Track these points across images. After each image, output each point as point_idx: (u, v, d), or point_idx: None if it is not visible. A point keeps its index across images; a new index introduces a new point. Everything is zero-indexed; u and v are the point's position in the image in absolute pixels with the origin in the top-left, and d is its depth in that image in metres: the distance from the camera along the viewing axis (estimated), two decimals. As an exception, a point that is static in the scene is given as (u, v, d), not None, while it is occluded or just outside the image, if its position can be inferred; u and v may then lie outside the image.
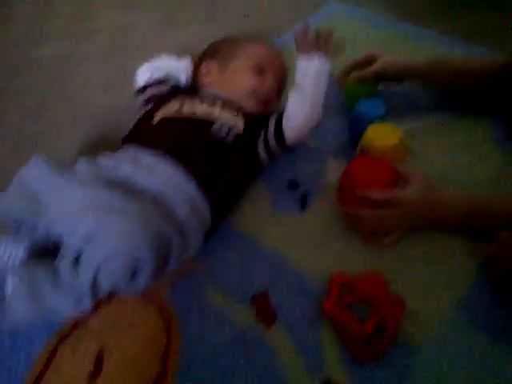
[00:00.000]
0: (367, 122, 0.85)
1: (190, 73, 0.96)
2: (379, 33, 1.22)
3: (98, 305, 0.68)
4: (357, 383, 0.63)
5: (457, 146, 0.92)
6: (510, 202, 0.72)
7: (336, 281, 0.71)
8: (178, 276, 0.74)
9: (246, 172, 0.82)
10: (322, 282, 0.73)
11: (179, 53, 1.08)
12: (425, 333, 0.67)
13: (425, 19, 1.22)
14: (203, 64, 0.92)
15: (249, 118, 0.83)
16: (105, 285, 0.65)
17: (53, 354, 0.67)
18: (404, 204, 0.72)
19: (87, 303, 0.65)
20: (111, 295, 0.68)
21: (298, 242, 0.79)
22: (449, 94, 0.99)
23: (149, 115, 0.84)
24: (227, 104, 0.84)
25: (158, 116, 0.82)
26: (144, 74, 0.93)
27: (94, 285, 0.65)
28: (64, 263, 0.65)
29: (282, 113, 0.84)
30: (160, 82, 0.92)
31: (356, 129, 0.88)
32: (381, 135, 0.80)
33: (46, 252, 0.69)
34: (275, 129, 0.84)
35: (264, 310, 0.71)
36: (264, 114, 0.87)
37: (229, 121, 0.81)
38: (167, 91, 0.91)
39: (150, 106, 0.88)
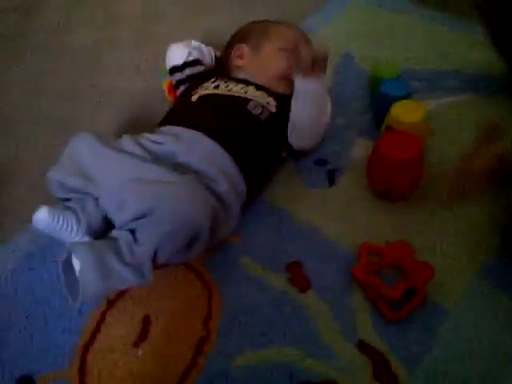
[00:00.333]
0: (391, 102, 0.87)
1: (213, 60, 0.99)
2: (397, 17, 1.24)
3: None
4: (387, 343, 0.67)
5: (478, 124, 0.95)
6: None
7: (365, 249, 0.75)
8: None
9: (278, 150, 0.85)
10: (352, 250, 0.77)
11: (204, 39, 1.12)
12: (452, 298, 0.71)
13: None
14: (235, 47, 0.94)
15: (281, 99, 0.86)
16: (163, 257, 0.68)
17: (101, 319, 0.72)
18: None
19: (149, 276, 0.68)
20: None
21: (327, 214, 0.83)
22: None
23: (187, 95, 0.87)
24: (260, 86, 0.87)
25: (197, 94, 0.85)
26: (182, 52, 0.95)
27: (154, 258, 0.67)
28: (122, 237, 0.67)
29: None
30: (197, 62, 0.94)
31: (380, 109, 0.91)
32: (407, 111, 0.83)
33: (99, 226, 0.73)
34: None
35: (298, 277, 0.75)
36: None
37: (263, 100, 0.84)
38: (201, 72, 0.94)
39: (185, 87, 0.91)
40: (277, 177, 0.88)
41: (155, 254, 0.67)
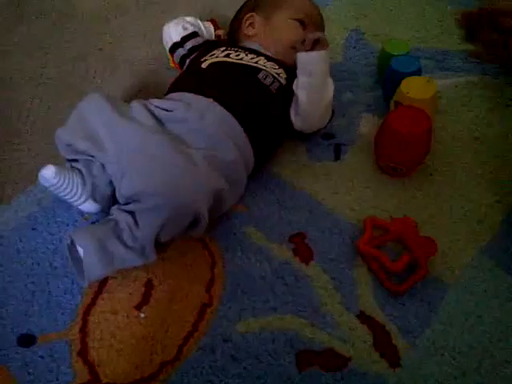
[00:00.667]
0: (401, 79, 0.86)
1: (213, 36, 0.98)
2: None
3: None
4: (388, 315, 0.68)
5: (484, 105, 0.95)
6: None
7: (370, 222, 0.75)
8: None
9: (286, 122, 0.84)
10: (356, 224, 0.77)
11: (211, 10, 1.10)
12: (454, 273, 0.72)
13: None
14: (246, 16, 0.93)
15: (290, 71, 0.85)
16: (165, 238, 0.69)
17: (104, 281, 0.72)
18: None
19: (151, 256, 0.68)
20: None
21: (332, 188, 0.82)
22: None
23: (196, 62, 0.85)
24: (270, 57, 0.86)
25: (207, 62, 0.84)
26: (176, 30, 0.93)
27: (156, 239, 0.67)
28: (122, 220, 0.67)
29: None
30: (195, 34, 0.93)
31: (390, 85, 0.90)
32: (416, 88, 0.82)
33: (105, 191, 0.73)
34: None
35: (301, 248, 0.75)
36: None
37: (273, 71, 0.83)
38: (206, 41, 0.92)
39: (193, 56, 0.90)
40: (283, 149, 0.87)
41: (157, 236, 0.67)
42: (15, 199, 0.81)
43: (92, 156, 0.72)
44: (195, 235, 0.72)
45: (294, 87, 0.83)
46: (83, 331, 0.68)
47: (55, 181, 0.70)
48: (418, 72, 0.89)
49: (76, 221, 0.79)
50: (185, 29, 0.93)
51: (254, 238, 0.76)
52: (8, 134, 0.93)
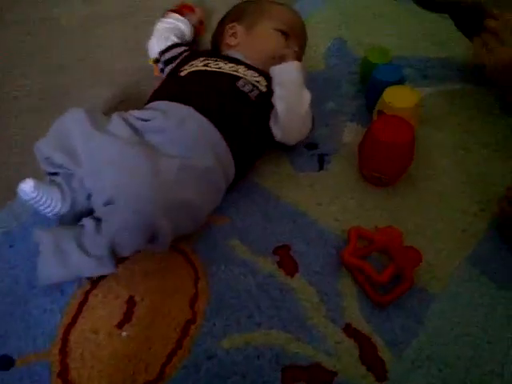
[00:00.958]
0: (384, 88, 0.86)
1: (192, 32, 1.00)
2: (392, 2, 1.22)
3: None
4: (374, 327, 0.67)
5: (466, 113, 0.95)
6: None
7: (355, 233, 0.74)
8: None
9: (267, 131, 0.83)
10: (341, 234, 0.76)
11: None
12: (439, 283, 0.71)
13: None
14: (228, 26, 0.93)
15: (271, 80, 0.84)
16: (124, 250, 0.68)
17: (84, 299, 0.71)
18: None
19: (109, 266, 0.67)
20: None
21: (316, 198, 0.82)
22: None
23: (176, 71, 0.85)
24: (250, 66, 0.85)
25: (186, 70, 0.83)
26: (156, 45, 0.94)
27: (113, 249, 0.66)
28: (87, 225, 0.67)
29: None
30: (173, 46, 0.93)
31: (372, 94, 0.89)
32: (399, 97, 0.82)
33: (84, 205, 0.72)
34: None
35: (286, 260, 0.74)
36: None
37: (253, 79, 0.83)
38: (183, 51, 0.92)
39: (170, 67, 0.90)
40: (266, 159, 0.87)
41: (114, 245, 0.66)
42: (-8, 215, 0.80)
43: (70, 169, 0.71)
44: (158, 250, 0.70)
45: (272, 100, 0.82)
46: (63, 352, 0.66)
47: (34, 195, 0.69)
48: (400, 81, 0.89)
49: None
50: (166, 39, 0.94)
51: (238, 250, 0.75)
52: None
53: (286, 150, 0.88)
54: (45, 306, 0.70)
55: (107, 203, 0.68)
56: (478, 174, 0.85)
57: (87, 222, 0.68)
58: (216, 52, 0.94)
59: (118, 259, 0.69)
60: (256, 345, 0.66)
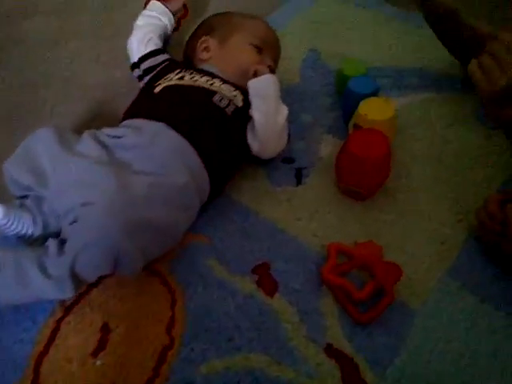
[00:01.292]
0: (359, 100, 0.86)
1: (173, 23, 0.99)
2: (365, 13, 1.23)
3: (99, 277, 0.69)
4: (356, 347, 0.66)
5: (443, 121, 0.95)
6: None
7: (334, 249, 0.73)
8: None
9: (244, 146, 0.82)
10: (320, 251, 0.75)
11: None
12: (420, 298, 0.70)
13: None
14: (201, 40, 0.91)
15: (247, 94, 0.83)
16: (86, 274, 0.64)
17: (57, 327, 0.68)
18: None
19: (69, 291, 0.64)
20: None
21: (294, 214, 0.81)
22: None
23: (150, 86, 0.84)
24: (226, 80, 0.84)
25: (161, 85, 0.82)
26: (136, 49, 0.92)
27: (74, 274, 0.63)
28: (51, 246, 0.65)
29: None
30: (153, 53, 0.91)
31: (348, 107, 0.89)
32: (375, 109, 0.82)
33: (56, 226, 0.70)
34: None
35: (265, 280, 0.73)
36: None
37: (229, 93, 0.81)
38: (162, 61, 0.90)
39: (148, 78, 0.88)
40: (243, 174, 0.85)
41: (75, 270, 0.63)
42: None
43: (37, 191, 0.69)
44: (128, 274, 0.67)
45: (250, 112, 0.81)
46: (36, 383, 0.63)
47: (4, 221, 0.67)
48: (375, 93, 0.88)
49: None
50: (146, 43, 0.92)
51: (216, 270, 0.74)
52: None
53: (262, 164, 0.87)
54: (15, 337, 0.67)
55: (73, 222, 0.66)
56: (454, 183, 0.85)
57: (51, 243, 0.65)
58: (190, 65, 0.92)
59: (91, 283, 0.67)
60: (236, 369, 0.64)
